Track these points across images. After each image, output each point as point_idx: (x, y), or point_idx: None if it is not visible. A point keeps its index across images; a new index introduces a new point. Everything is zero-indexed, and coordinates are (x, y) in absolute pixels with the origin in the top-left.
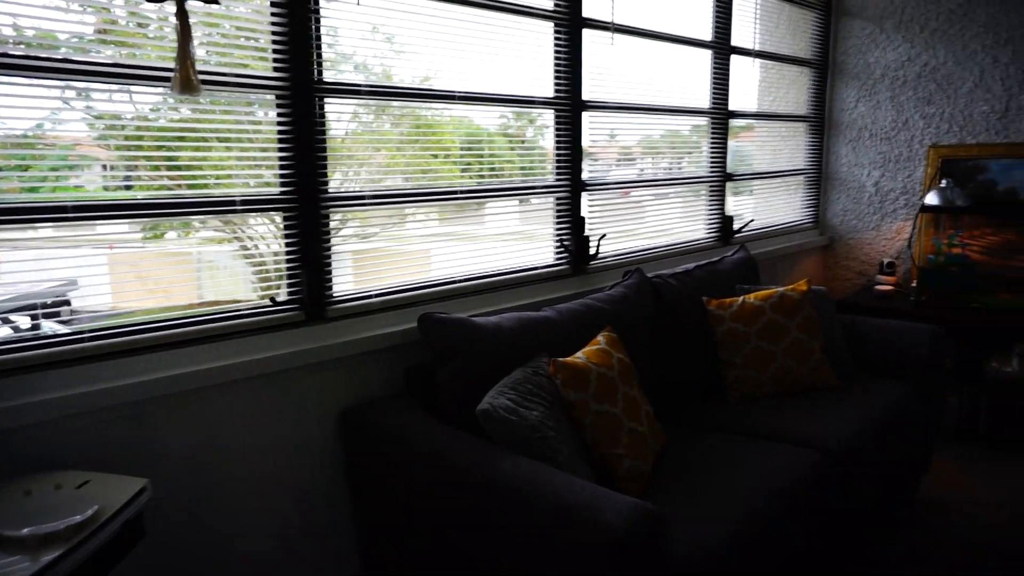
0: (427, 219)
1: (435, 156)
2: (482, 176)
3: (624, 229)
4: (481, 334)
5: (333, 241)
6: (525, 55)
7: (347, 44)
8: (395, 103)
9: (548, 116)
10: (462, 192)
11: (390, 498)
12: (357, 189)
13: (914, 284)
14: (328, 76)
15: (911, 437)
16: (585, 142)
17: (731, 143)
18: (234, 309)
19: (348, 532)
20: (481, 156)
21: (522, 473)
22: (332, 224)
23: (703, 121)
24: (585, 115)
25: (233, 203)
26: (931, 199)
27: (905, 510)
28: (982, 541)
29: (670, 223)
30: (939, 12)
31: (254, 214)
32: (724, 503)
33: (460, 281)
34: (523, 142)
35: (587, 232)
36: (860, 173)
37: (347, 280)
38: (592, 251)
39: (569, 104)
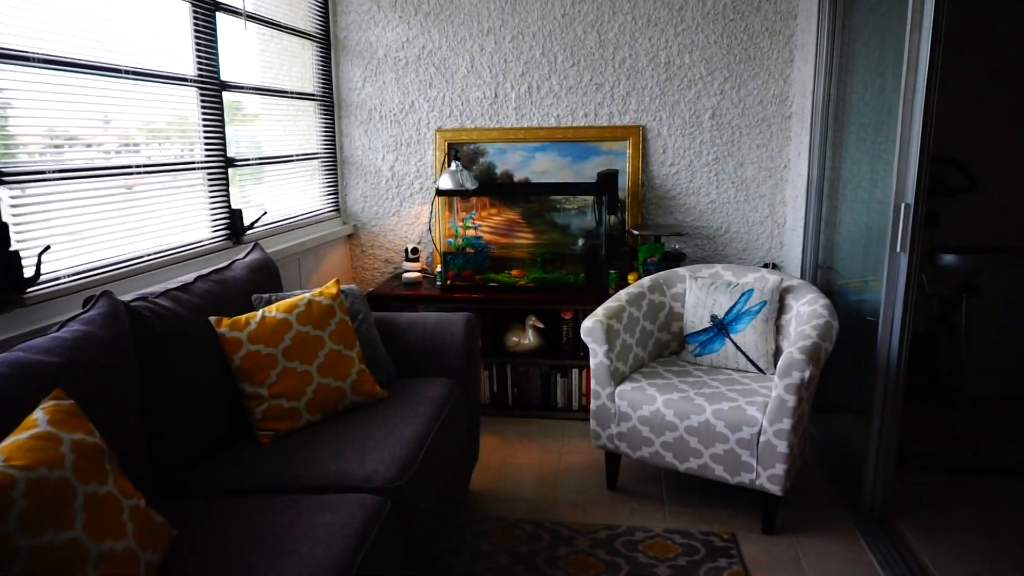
0: None
1: None
2: None
3: (88, 234)
4: None
5: None
6: None
7: None
8: None
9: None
10: None
11: None
12: None
13: (439, 268)
14: None
15: (461, 434)
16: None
17: (237, 125)
18: None
19: None
20: None
21: None
22: None
23: (190, 93)
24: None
25: None
26: (444, 182)
27: (462, 505)
28: (525, 517)
29: (157, 223)
30: None
31: None
32: None
33: None
34: None
35: (16, 246)
36: (375, 157)
37: None
38: (30, 273)
39: None
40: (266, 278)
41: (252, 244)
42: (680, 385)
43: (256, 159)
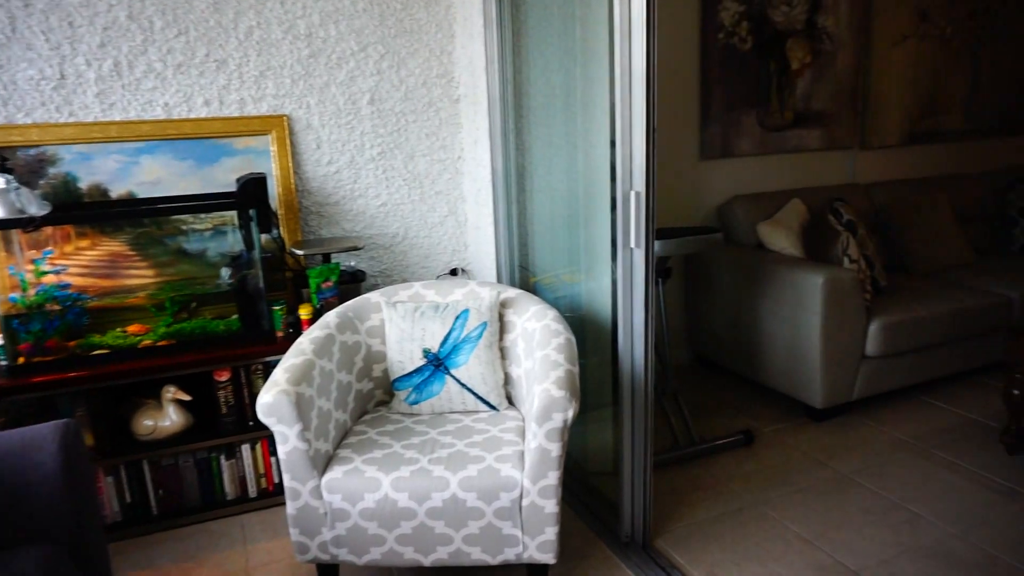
0: None
1: None
2: None
3: None
4: None
5: None
6: None
7: None
8: None
9: None
10: None
11: None
12: None
13: (0, 341)
14: None
15: None
16: None
17: None
18: None
19: None
20: None
21: None
22: None
23: None
24: None
25: None
26: None
27: None
28: None
29: None
30: None
31: None
32: None
33: None
34: None
35: None
36: None
37: None
38: None
39: None
40: None
41: None
42: (406, 453)
43: None
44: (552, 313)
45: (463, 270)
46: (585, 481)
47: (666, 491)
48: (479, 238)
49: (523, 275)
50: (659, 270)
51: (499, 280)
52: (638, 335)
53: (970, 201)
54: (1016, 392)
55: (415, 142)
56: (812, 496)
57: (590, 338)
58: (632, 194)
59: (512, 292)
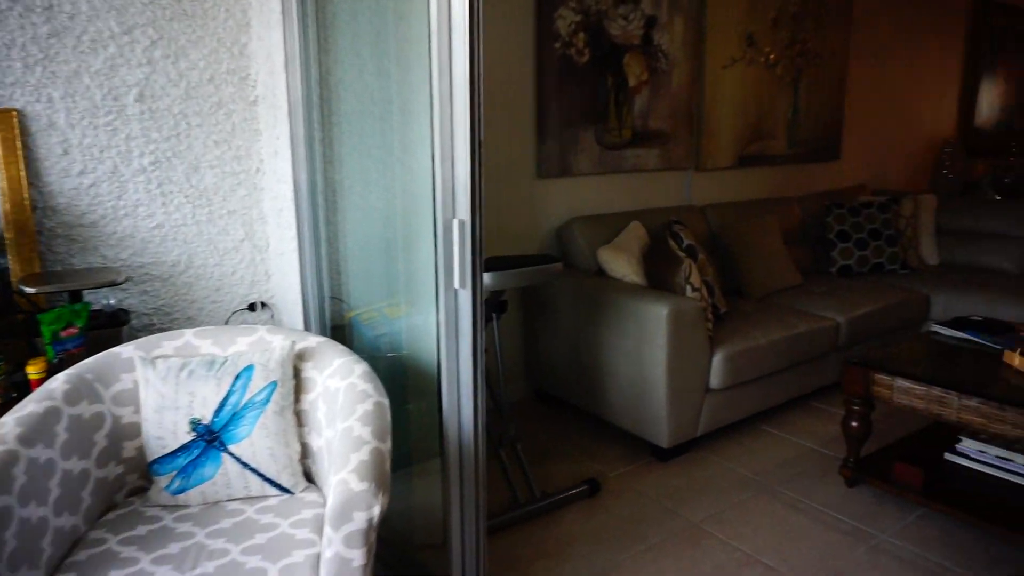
0: None
1: None
2: None
3: None
4: None
5: None
6: None
7: None
8: None
9: None
10: None
11: None
12: None
13: None
14: None
15: None
16: None
17: None
18: None
19: None
20: None
21: None
22: None
23: None
24: None
25: None
26: None
27: None
28: None
29: None
30: None
31: None
32: None
33: None
34: None
35: None
36: None
37: None
38: None
39: None
40: None
41: None
42: (157, 572)
43: None
44: (360, 368)
45: (263, 304)
46: (411, 557)
47: (505, 561)
48: (283, 266)
49: (338, 309)
50: (493, 304)
51: (307, 317)
52: (465, 390)
53: (794, 224)
54: (854, 424)
55: (200, 150)
56: (664, 554)
57: (415, 380)
58: (455, 223)
59: (313, 340)
